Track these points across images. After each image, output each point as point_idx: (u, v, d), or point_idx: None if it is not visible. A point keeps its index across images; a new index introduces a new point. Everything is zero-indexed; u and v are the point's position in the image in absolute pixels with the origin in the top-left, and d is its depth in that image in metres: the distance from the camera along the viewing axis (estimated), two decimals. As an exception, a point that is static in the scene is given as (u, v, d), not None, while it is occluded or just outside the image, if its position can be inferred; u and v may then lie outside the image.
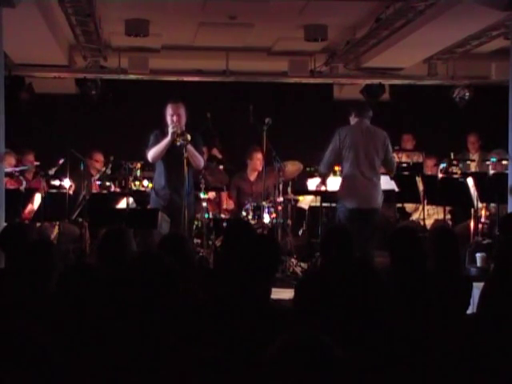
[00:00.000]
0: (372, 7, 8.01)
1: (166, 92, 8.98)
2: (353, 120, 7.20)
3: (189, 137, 7.01)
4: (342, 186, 7.17)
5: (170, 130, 7.08)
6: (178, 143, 6.98)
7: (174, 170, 7.13)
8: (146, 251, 4.43)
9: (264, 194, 8.18)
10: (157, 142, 7.18)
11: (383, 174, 8.15)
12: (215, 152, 9.75)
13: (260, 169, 8.72)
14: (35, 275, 3.76)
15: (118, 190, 8.58)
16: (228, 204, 9.00)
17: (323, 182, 7.74)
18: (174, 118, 7.12)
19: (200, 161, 7.30)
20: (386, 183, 7.96)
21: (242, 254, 3.36)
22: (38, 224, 7.40)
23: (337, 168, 7.72)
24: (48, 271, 3.75)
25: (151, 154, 7.20)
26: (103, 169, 8.82)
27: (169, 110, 7.17)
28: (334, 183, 7.58)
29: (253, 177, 9.04)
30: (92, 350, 2.42)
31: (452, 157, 8.55)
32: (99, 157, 9.19)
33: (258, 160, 8.80)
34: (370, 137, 7.09)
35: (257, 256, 3.29)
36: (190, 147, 7.06)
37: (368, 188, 7.05)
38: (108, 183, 8.64)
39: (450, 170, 8.35)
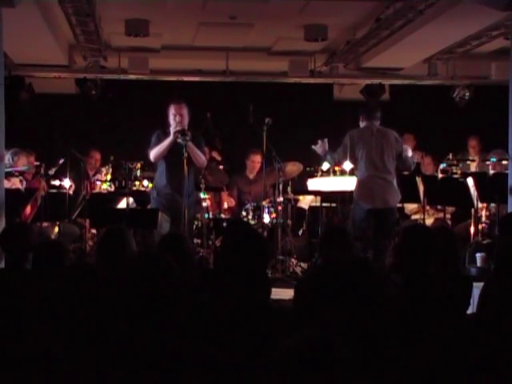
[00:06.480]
0: (372, 7, 8.01)
1: (166, 92, 8.98)
2: (362, 124, 7.33)
3: (190, 134, 7.04)
4: (358, 187, 7.29)
5: (172, 129, 7.11)
6: (179, 140, 7.00)
7: (175, 169, 7.14)
8: (145, 251, 4.44)
9: (264, 193, 8.18)
10: (159, 141, 7.21)
11: None
12: (215, 155, 9.75)
13: (256, 171, 8.83)
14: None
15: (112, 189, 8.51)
16: (229, 202, 8.99)
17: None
18: (177, 118, 7.14)
19: (202, 159, 7.32)
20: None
21: (236, 252, 3.35)
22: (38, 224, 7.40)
23: (347, 168, 7.69)
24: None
25: (153, 153, 7.23)
26: (103, 169, 8.80)
27: (171, 110, 7.19)
28: (345, 183, 7.60)
29: (252, 175, 9.05)
30: (92, 350, 2.42)
31: (450, 157, 8.53)
32: (95, 154, 9.18)
33: (253, 162, 8.92)
34: (380, 137, 7.22)
35: (246, 252, 3.28)
36: (191, 145, 7.07)
37: (384, 188, 7.18)
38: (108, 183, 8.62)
39: (450, 170, 8.35)
